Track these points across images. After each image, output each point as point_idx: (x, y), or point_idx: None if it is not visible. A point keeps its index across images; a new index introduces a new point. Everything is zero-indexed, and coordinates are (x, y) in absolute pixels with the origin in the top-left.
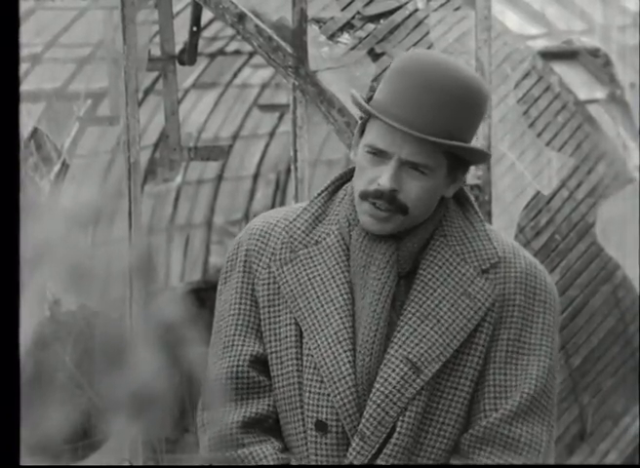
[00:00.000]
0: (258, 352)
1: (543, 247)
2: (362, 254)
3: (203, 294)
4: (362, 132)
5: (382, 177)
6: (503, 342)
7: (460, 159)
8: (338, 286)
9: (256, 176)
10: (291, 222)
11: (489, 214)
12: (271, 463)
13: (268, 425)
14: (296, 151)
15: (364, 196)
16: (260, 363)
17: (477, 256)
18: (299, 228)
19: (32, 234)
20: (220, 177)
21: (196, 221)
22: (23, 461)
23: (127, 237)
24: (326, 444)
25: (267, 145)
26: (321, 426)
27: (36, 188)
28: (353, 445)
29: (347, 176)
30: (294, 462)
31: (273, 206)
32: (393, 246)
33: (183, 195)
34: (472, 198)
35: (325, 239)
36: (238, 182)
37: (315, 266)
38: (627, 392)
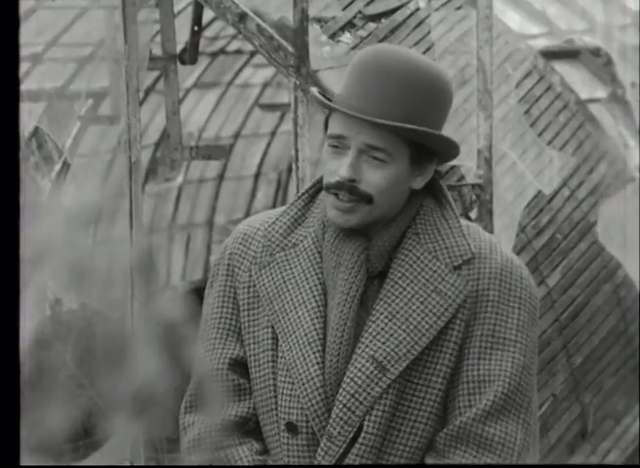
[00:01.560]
0: (237, 355)
1: (545, 246)
2: (332, 255)
3: (204, 294)
4: (326, 129)
5: (342, 168)
6: (477, 338)
7: (425, 149)
8: (311, 288)
9: (257, 176)
10: (270, 226)
11: (490, 214)
12: (246, 465)
13: (249, 427)
14: (297, 150)
15: (327, 188)
16: (240, 366)
17: (449, 253)
18: (277, 231)
19: (33, 233)
20: (221, 177)
21: (197, 221)
22: (24, 461)
23: (128, 236)
24: (297, 445)
25: (269, 145)
26: (291, 427)
27: (37, 188)
28: (321, 445)
29: None
30: (270, 464)
31: (274, 205)
32: (362, 245)
33: (185, 194)
34: (449, 194)
35: (302, 242)
36: (239, 182)
37: (291, 269)
38: (629, 391)
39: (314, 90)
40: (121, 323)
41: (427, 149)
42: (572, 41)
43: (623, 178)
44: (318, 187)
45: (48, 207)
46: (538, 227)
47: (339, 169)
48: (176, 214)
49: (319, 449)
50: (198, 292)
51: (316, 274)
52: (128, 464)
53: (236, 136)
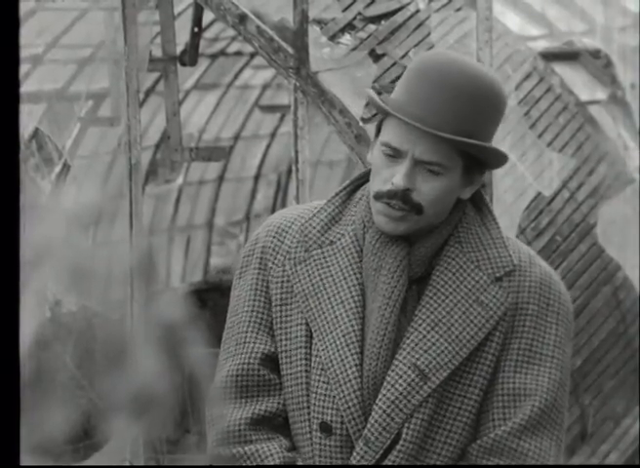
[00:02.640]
0: (269, 350)
1: (544, 248)
2: (374, 257)
3: (204, 295)
4: (378, 132)
5: (396, 176)
6: (514, 351)
7: (477, 160)
8: (349, 288)
9: (257, 177)
10: (306, 221)
11: None
12: (277, 461)
13: (277, 423)
14: (297, 152)
15: (378, 196)
16: (272, 361)
17: (492, 264)
18: (314, 228)
19: (33, 235)
20: (221, 178)
21: (197, 222)
22: (24, 461)
23: (128, 238)
24: (330, 446)
25: (268, 146)
26: (325, 428)
27: (37, 189)
28: (357, 449)
29: (366, 177)
30: (299, 462)
31: (274, 207)
32: (405, 249)
33: (184, 196)
34: (490, 204)
35: (340, 240)
36: (239, 183)
37: (328, 267)
38: (628, 393)
39: (371, 92)
40: (121, 324)
41: (479, 160)
42: (571, 43)
43: (623, 180)
44: (356, 185)
45: (48, 208)
46: (537, 229)
47: (393, 177)
48: (176, 216)
49: (355, 453)
50: (198, 294)
51: (355, 274)
52: (128, 464)
53: (236, 137)
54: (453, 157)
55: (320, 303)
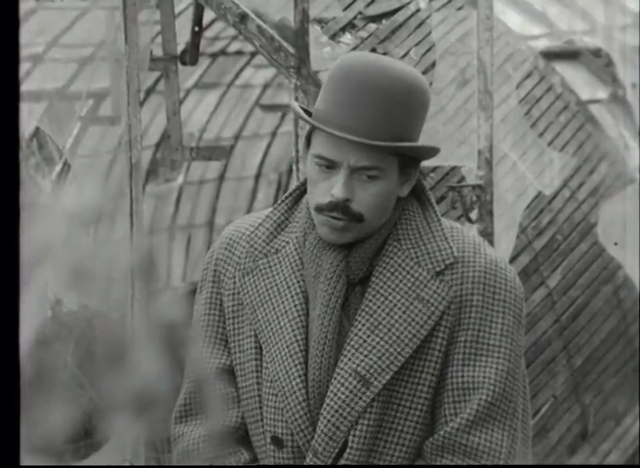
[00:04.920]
0: (224, 363)
1: (545, 247)
2: (312, 264)
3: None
4: (309, 143)
5: (335, 188)
6: (461, 344)
7: (410, 157)
8: (292, 297)
9: (257, 177)
10: (253, 231)
11: (491, 215)
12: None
13: (239, 436)
14: (297, 151)
15: (318, 209)
16: (228, 373)
17: (431, 258)
18: (259, 237)
19: (33, 234)
20: (221, 178)
21: (198, 221)
22: (24, 461)
23: (128, 237)
24: (282, 458)
25: (269, 145)
26: (277, 441)
27: (38, 188)
28: (307, 460)
29: None
30: None
31: None
32: (342, 254)
33: (185, 195)
34: (431, 195)
35: (284, 248)
36: (240, 182)
37: (273, 276)
38: (629, 392)
39: (295, 104)
40: (121, 323)
41: (412, 157)
42: (572, 42)
43: (624, 179)
44: (302, 190)
45: (48, 207)
46: (538, 228)
47: (331, 189)
48: (176, 215)
49: (305, 464)
50: None
51: (297, 282)
52: (128, 464)
53: (237, 136)
54: (388, 159)
55: (266, 314)
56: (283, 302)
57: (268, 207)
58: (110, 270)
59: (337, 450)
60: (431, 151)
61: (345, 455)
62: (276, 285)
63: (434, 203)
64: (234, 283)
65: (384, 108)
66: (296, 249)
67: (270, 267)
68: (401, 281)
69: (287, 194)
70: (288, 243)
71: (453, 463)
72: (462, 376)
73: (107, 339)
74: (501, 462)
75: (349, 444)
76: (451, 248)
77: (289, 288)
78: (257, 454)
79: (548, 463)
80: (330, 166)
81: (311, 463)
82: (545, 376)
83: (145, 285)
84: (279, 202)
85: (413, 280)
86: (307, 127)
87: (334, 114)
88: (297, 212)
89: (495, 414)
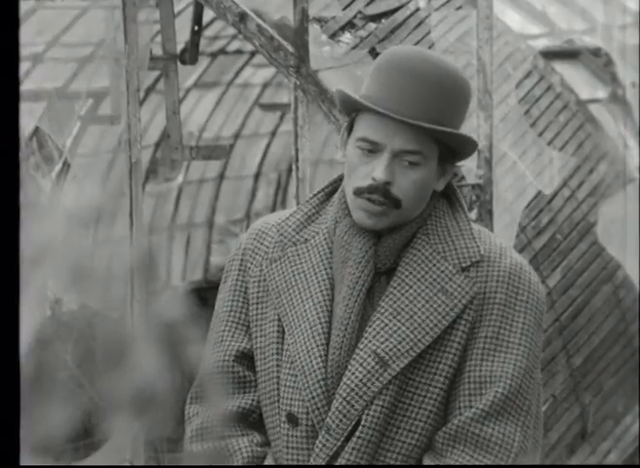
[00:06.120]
0: (245, 348)
1: (545, 246)
2: (342, 250)
3: (204, 294)
4: (351, 129)
5: (377, 170)
6: (481, 339)
7: (450, 149)
8: (319, 282)
9: (257, 176)
10: (283, 221)
11: (490, 214)
12: (245, 455)
13: (252, 420)
14: (297, 151)
15: (358, 192)
16: (247, 358)
17: (458, 254)
18: (289, 226)
19: (33, 233)
20: (221, 177)
21: (197, 221)
22: (24, 461)
23: (128, 236)
24: (296, 436)
25: (269, 145)
26: (292, 419)
27: (37, 187)
28: (320, 437)
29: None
30: (269, 456)
31: (274, 205)
32: (371, 241)
33: (185, 194)
34: (462, 196)
35: (314, 237)
36: (239, 182)
37: (301, 263)
38: (628, 392)
39: (343, 89)
40: (121, 323)
41: (451, 149)
42: (572, 41)
43: (624, 179)
44: (335, 186)
45: (48, 207)
46: (538, 228)
47: (372, 172)
48: (176, 214)
49: (317, 442)
50: (198, 293)
51: (325, 268)
52: (128, 464)
53: (236, 135)
54: (430, 146)
55: (291, 299)
56: (309, 287)
57: (268, 206)
58: (110, 269)
59: (349, 428)
60: (471, 144)
61: (357, 433)
62: (303, 271)
63: (464, 205)
64: (260, 270)
65: (432, 96)
66: (325, 239)
67: (299, 255)
68: (427, 272)
69: (319, 189)
70: (317, 233)
71: (463, 454)
72: (480, 370)
73: (107, 339)
74: (512, 456)
75: (362, 422)
76: (478, 246)
77: (316, 274)
78: (269, 436)
79: (548, 463)
80: (372, 150)
81: (323, 440)
82: (545, 376)
83: (145, 284)
84: (311, 196)
85: (438, 273)
86: (308, 126)
87: (382, 98)
88: (328, 206)
89: (509, 409)
